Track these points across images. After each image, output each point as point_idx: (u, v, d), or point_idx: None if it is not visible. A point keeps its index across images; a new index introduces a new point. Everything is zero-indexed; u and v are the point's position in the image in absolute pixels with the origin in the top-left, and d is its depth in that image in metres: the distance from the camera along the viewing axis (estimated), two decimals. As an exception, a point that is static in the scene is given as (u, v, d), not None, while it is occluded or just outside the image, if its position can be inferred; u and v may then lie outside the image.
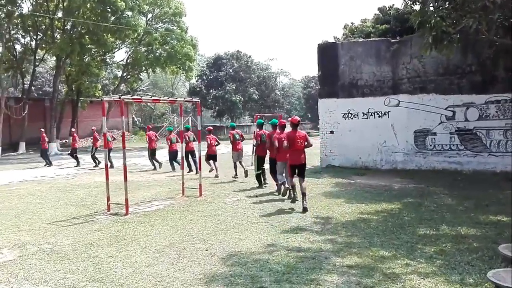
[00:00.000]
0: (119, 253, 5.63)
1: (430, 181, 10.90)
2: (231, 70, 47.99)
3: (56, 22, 31.15)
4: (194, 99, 9.83)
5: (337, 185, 10.95)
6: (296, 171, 8.36)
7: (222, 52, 49.62)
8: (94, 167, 17.74)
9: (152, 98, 9.06)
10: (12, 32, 33.11)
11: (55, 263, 5.26)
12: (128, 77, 36.83)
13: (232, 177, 12.72)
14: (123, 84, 39.25)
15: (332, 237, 6.05)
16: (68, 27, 31.49)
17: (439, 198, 8.73)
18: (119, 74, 38.46)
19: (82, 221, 7.66)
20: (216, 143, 13.73)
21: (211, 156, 13.50)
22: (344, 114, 14.28)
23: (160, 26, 35.14)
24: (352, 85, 14.19)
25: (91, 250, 5.78)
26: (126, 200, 8.16)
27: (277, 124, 9.47)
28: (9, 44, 32.86)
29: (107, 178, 8.62)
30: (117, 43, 34.62)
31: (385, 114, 13.60)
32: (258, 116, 16.54)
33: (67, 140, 35.76)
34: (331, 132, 14.53)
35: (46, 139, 19.64)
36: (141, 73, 37.19)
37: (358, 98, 14.06)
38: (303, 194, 8.06)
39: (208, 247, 5.72)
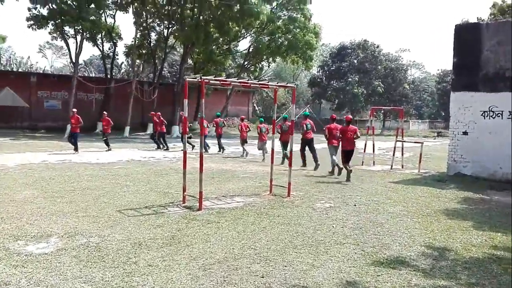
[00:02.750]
0: (162, 262, 4.62)
1: None
2: (355, 61, 45.28)
3: (189, 11, 32.35)
4: (289, 84, 8.47)
5: (465, 201, 8.58)
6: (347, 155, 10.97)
7: (348, 42, 47.05)
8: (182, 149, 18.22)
9: (240, 80, 7.94)
10: (149, 20, 35.61)
11: (85, 265, 4.47)
12: (249, 66, 36.94)
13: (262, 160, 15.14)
14: (244, 74, 39.72)
15: (445, 284, 4.19)
16: (197, 15, 32.59)
17: None
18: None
19: (150, 212, 6.95)
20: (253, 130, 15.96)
21: (244, 141, 16.62)
22: (484, 112, 11.46)
23: (283, 14, 34.33)
24: (498, 77, 11.27)
25: (135, 253, 4.89)
26: (200, 193, 7.23)
27: (307, 115, 14.29)
28: (145, 32, 35.49)
29: (184, 166, 7.81)
30: (241, 32, 34.89)
31: (542, 115, 10.46)
32: (374, 110, 14.44)
33: (191, 124, 37.50)
34: (465, 133, 11.82)
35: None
36: (261, 62, 36.99)
37: (504, 92, 11.10)
38: (350, 171, 10.70)
39: (266, 272, 4.37)
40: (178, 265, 4.55)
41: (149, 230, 5.85)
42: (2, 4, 24.95)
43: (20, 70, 52.74)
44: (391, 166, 13.89)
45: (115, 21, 34.42)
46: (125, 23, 69.60)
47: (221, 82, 7.70)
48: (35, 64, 62.28)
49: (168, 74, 49.88)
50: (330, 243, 5.42)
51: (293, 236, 5.68)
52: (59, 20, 26.81)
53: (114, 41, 35.39)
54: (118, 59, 53.79)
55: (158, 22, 36.27)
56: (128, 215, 6.72)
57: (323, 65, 47.98)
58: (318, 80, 47.15)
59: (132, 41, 33.09)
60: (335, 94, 44.44)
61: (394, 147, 14.25)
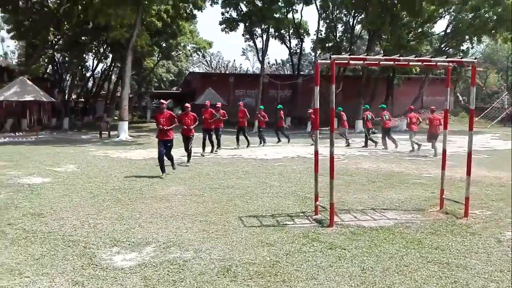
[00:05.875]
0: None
1: None
2: None
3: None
4: (466, 59, 5.97)
5: None
6: None
7: None
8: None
9: (388, 57, 5.97)
10: (336, 11, 34.53)
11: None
12: (447, 49, 31.89)
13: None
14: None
15: None
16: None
17: None
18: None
19: (272, 223, 5.80)
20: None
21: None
22: None
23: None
24: None
25: (213, 284, 3.81)
26: (331, 205, 5.69)
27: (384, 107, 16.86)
28: (331, 24, 34.59)
29: (316, 169, 6.41)
30: (438, 11, 30.37)
31: None
32: None
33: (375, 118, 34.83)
34: None
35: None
36: (462, 44, 31.44)
37: None
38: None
39: None
40: (250, 314, 3.26)
41: (253, 249, 4.72)
42: (201, 11, 27.78)
43: (227, 72, 59.17)
44: None
45: (302, 16, 34.62)
46: (312, 18, 70.26)
47: (364, 60, 5.95)
48: (239, 66, 68.97)
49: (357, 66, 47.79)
50: (508, 314, 3.23)
51: (445, 289, 3.66)
52: (248, 22, 28.31)
53: (302, 37, 35.61)
54: (311, 55, 54.67)
55: (345, 12, 34.82)
56: (246, 224, 5.73)
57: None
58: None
59: (315, 34, 32.62)
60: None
61: None
